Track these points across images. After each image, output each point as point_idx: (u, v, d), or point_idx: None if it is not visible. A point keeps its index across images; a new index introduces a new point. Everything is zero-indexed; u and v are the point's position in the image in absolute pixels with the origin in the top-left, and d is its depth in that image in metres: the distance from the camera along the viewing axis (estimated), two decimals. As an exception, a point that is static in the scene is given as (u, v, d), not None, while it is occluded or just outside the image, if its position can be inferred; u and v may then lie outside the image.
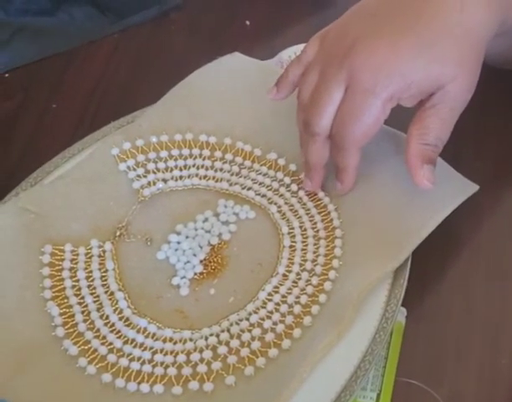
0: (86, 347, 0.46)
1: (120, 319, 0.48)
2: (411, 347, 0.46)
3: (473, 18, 0.47)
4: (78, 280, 0.49)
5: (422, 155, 0.47)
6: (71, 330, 0.47)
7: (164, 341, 0.47)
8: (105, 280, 0.50)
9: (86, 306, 0.48)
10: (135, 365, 0.45)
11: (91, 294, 0.49)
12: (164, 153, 0.55)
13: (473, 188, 0.49)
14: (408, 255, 0.47)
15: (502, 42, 0.51)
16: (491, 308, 0.48)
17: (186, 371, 0.45)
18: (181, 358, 0.45)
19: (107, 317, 0.48)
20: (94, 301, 0.48)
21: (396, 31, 0.47)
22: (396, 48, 0.46)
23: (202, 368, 0.45)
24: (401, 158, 0.49)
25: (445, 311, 0.48)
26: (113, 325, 0.47)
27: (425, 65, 0.46)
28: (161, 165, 0.55)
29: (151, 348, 0.46)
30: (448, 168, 0.51)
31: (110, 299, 0.48)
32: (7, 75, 0.67)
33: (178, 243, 0.51)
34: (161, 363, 0.45)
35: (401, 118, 0.48)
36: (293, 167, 0.54)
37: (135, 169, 0.54)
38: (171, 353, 0.46)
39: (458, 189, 0.49)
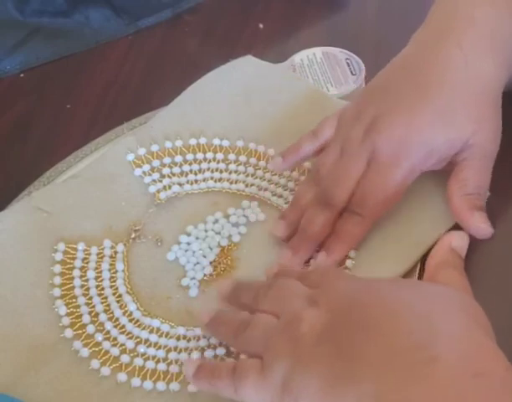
0: (97, 349, 0.46)
1: (130, 321, 0.48)
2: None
3: (479, 73, 0.48)
4: (87, 280, 0.50)
5: (468, 205, 0.48)
6: (80, 331, 0.47)
7: (178, 339, 0.47)
8: (114, 281, 0.50)
9: (94, 307, 0.48)
10: (150, 364, 0.46)
11: (99, 295, 0.49)
12: (179, 158, 0.56)
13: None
14: (418, 260, 0.48)
15: None
16: (501, 313, 0.48)
17: None
18: (196, 355, 0.46)
19: (116, 320, 0.48)
20: (102, 303, 0.49)
21: (412, 103, 0.48)
22: (413, 121, 0.48)
23: None
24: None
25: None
26: (123, 326, 0.48)
27: (442, 130, 0.48)
28: (176, 169, 0.55)
29: (165, 347, 0.46)
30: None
31: (118, 301, 0.49)
32: (22, 75, 0.68)
33: (188, 244, 0.51)
34: (176, 361, 0.46)
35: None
36: (307, 164, 0.54)
37: (150, 174, 0.55)
38: (185, 350, 0.46)
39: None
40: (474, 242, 0.50)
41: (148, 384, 0.45)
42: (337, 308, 0.39)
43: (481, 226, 0.47)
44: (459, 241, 0.46)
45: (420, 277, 0.47)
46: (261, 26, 0.69)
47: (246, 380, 0.40)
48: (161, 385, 0.45)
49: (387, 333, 0.37)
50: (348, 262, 0.49)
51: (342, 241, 0.48)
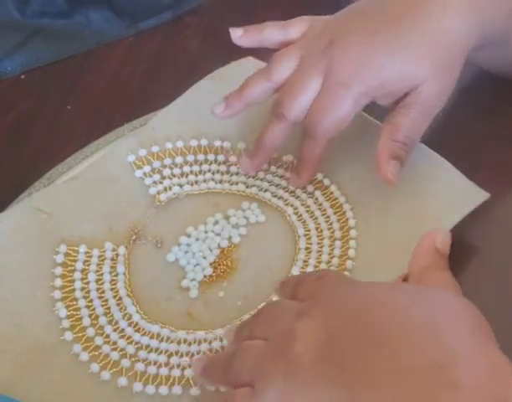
0: (97, 353, 0.46)
1: (130, 324, 0.48)
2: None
3: (452, 27, 0.48)
4: (88, 283, 0.50)
5: (391, 151, 0.48)
6: (79, 334, 0.47)
7: (178, 343, 0.47)
8: (115, 284, 0.50)
9: (94, 309, 0.48)
10: (152, 369, 0.46)
11: (99, 298, 0.49)
12: (179, 159, 0.56)
13: (484, 195, 0.49)
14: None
15: (485, 53, 0.52)
16: (501, 317, 0.48)
17: None
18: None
19: (116, 323, 0.48)
20: (102, 305, 0.49)
21: (375, 29, 0.49)
22: (371, 46, 0.48)
23: None
24: (415, 163, 0.49)
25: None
26: (123, 330, 0.48)
27: (398, 65, 0.48)
28: (177, 171, 0.55)
29: (167, 351, 0.46)
30: (459, 175, 0.51)
31: (119, 304, 0.49)
32: (22, 77, 0.68)
33: (188, 245, 0.51)
34: (178, 365, 0.46)
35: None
36: None
37: (151, 175, 0.55)
38: (187, 354, 0.46)
39: (468, 197, 0.49)
40: (474, 243, 0.50)
41: (150, 389, 0.45)
42: (335, 321, 0.35)
43: (388, 176, 0.47)
44: (444, 241, 0.43)
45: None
46: (262, 27, 0.69)
47: None
48: (163, 389, 0.45)
49: (399, 351, 0.33)
50: (348, 263, 0.49)
51: (305, 164, 0.51)
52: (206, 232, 0.52)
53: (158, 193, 0.54)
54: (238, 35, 0.53)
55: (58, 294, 0.49)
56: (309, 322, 0.35)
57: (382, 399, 0.32)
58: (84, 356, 0.46)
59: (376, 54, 0.48)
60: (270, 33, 0.53)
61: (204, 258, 0.51)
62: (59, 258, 0.51)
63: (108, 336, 0.47)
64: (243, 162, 0.53)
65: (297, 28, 0.53)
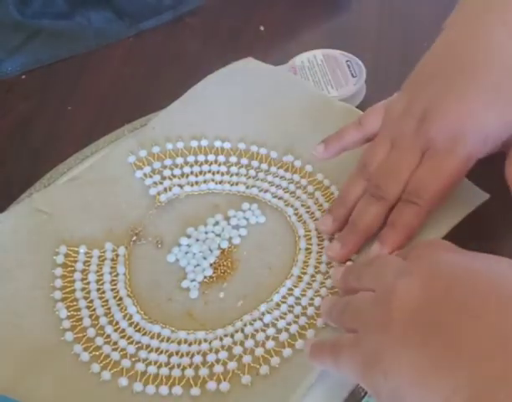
0: (98, 353, 0.46)
1: (130, 325, 0.48)
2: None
3: None
4: (88, 283, 0.50)
5: None
6: (80, 335, 0.47)
7: (179, 343, 0.47)
8: (115, 284, 0.50)
9: (94, 310, 0.48)
10: (152, 369, 0.46)
11: (100, 298, 0.49)
12: (180, 160, 0.56)
13: (483, 196, 0.49)
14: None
15: None
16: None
17: (204, 372, 0.45)
18: (198, 359, 0.46)
19: (117, 323, 0.48)
20: (103, 306, 0.49)
21: (462, 88, 0.47)
22: (466, 106, 0.46)
23: (218, 369, 0.45)
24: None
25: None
26: (123, 331, 0.48)
27: (496, 113, 0.46)
28: (177, 171, 0.55)
29: (167, 351, 0.46)
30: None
31: (119, 305, 0.49)
32: (23, 77, 0.68)
33: (188, 246, 0.51)
34: (178, 365, 0.46)
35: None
36: (309, 168, 0.54)
37: (151, 176, 0.55)
38: (187, 354, 0.46)
39: (467, 197, 0.49)
40: (474, 243, 0.50)
41: (150, 389, 0.45)
42: (435, 282, 0.37)
43: None
44: None
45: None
46: (262, 28, 0.69)
47: (341, 353, 0.40)
48: (163, 389, 0.45)
49: (499, 327, 0.34)
50: (348, 264, 0.48)
51: (398, 232, 0.47)
52: (206, 233, 0.52)
53: (158, 193, 0.54)
54: (320, 151, 0.51)
55: (58, 295, 0.49)
56: (410, 281, 0.38)
57: (472, 371, 0.33)
58: (85, 356, 0.46)
59: (471, 113, 0.46)
60: (349, 136, 0.51)
61: (204, 259, 0.51)
62: (60, 259, 0.51)
63: (108, 336, 0.47)
64: (331, 246, 0.49)
65: (372, 118, 0.51)
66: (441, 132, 0.47)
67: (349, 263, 0.48)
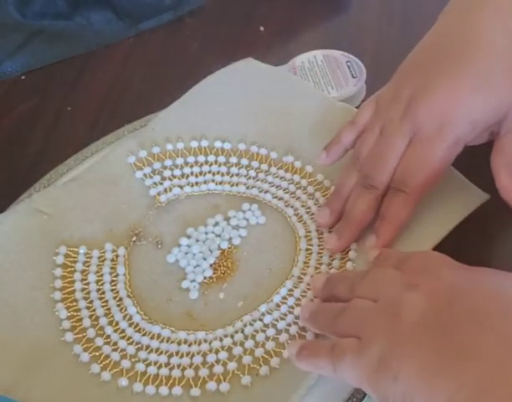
0: (98, 354, 0.46)
1: (130, 325, 0.48)
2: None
3: None
4: (88, 284, 0.50)
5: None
6: (80, 335, 0.47)
7: (179, 343, 0.47)
8: (115, 284, 0.50)
9: (94, 310, 0.48)
10: (152, 369, 0.46)
11: (100, 299, 0.49)
12: (180, 160, 0.56)
13: (483, 196, 0.49)
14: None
15: None
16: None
17: (204, 372, 0.45)
18: (198, 359, 0.46)
19: (117, 324, 0.48)
20: (102, 306, 0.49)
21: (449, 74, 0.47)
22: (453, 92, 0.46)
23: (218, 369, 0.45)
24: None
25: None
26: (123, 331, 0.48)
27: (483, 99, 0.46)
28: (177, 172, 0.55)
29: (167, 352, 0.46)
30: (459, 176, 0.51)
31: (119, 305, 0.49)
32: (23, 77, 0.68)
33: (188, 246, 0.51)
34: (178, 366, 0.46)
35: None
36: (309, 168, 0.54)
37: (151, 177, 0.55)
38: (187, 354, 0.46)
39: (467, 198, 0.49)
40: (474, 243, 0.50)
41: (150, 389, 0.45)
42: (440, 294, 0.38)
43: None
44: None
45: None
46: (262, 29, 0.69)
47: (343, 358, 0.40)
48: (163, 390, 0.45)
49: (500, 330, 0.36)
50: (348, 265, 0.49)
51: (389, 223, 0.47)
52: (206, 233, 0.52)
53: (158, 194, 0.54)
54: (323, 158, 0.52)
55: (58, 295, 0.49)
56: (417, 294, 0.39)
57: (476, 370, 0.34)
58: (85, 357, 0.46)
59: (458, 98, 0.46)
60: (345, 137, 0.51)
61: (204, 259, 0.51)
62: (59, 259, 0.51)
63: (108, 336, 0.47)
64: (328, 238, 0.49)
65: (364, 113, 0.51)
66: (428, 117, 0.47)
67: (331, 271, 0.48)
